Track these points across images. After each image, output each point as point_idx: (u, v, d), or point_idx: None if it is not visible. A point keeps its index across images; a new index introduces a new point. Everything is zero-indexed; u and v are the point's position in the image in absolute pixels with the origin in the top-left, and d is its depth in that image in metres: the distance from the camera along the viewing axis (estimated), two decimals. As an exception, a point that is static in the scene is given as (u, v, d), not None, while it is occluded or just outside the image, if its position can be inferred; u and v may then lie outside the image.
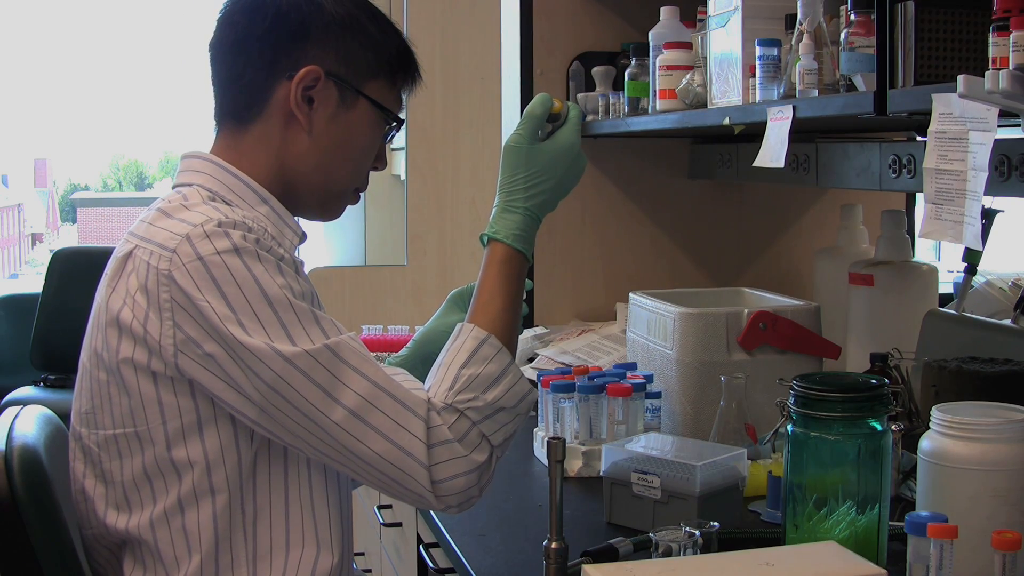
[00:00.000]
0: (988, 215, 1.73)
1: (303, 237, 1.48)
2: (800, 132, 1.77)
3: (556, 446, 1.31)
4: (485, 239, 1.46)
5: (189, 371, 1.29)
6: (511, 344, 1.41)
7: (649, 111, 2.24)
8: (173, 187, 1.44)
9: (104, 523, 1.37)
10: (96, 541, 1.41)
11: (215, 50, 1.46)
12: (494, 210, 1.47)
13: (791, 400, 1.37)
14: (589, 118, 2.58)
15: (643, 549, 1.41)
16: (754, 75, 1.78)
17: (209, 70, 1.47)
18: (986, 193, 1.28)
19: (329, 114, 1.43)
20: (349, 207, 1.53)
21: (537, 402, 1.41)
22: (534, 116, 1.48)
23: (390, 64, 1.47)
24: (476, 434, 1.32)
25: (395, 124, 1.50)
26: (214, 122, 1.48)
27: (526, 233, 1.45)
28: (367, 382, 1.29)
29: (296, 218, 1.49)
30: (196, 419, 1.32)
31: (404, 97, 1.52)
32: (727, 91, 1.89)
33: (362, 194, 1.54)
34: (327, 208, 1.51)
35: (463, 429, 1.32)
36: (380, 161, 1.53)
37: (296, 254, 1.45)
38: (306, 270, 1.39)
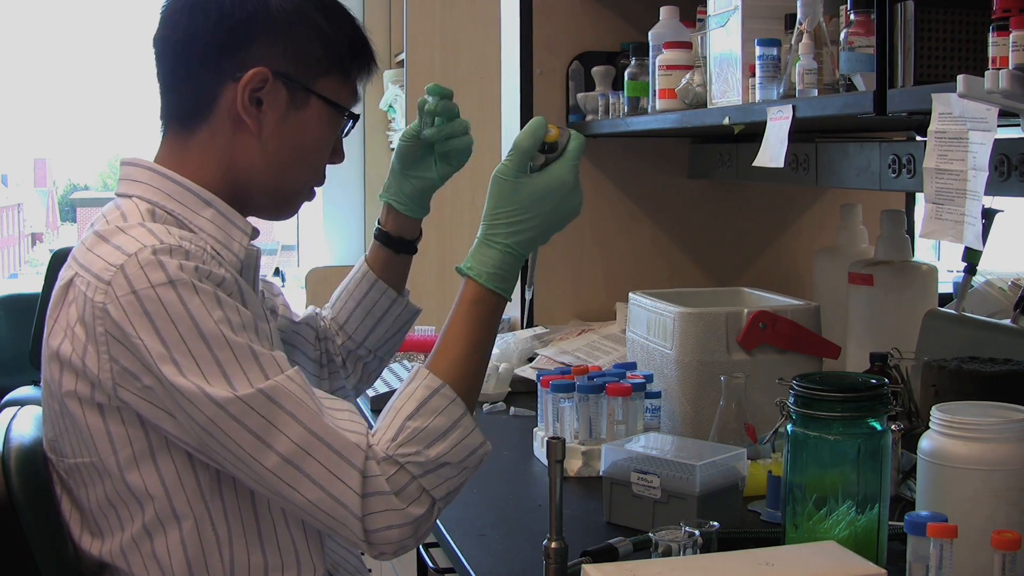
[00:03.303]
0: (988, 215, 1.73)
1: (255, 233, 1.41)
2: (800, 132, 1.77)
3: (556, 446, 1.31)
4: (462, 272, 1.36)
5: (130, 402, 1.25)
6: (469, 392, 1.32)
7: (649, 111, 2.24)
8: (116, 194, 1.38)
9: (80, 547, 1.34)
10: (77, 563, 1.36)
11: (158, 48, 1.38)
12: (475, 241, 1.36)
13: (791, 400, 1.37)
14: (589, 118, 2.57)
15: (643, 549, 1.41)
16: (754, 75, 1.78)
17: (155, 67, 1.40)
18: (986, 193, 1.28)
19: (279, 116, 1.36)
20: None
21: (485, 456, 1.33)
22: (521, 149, 1.35)
23: (343, 57, 1.40)
24: (416, 488, 1.26)
25: (350, 119, 1.45)
26: (160, 123, 1.40)
27: (503, 271, 1.34)
28: (302, 429, 1.23)
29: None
30: (147, 447, 1.28)
31: (361, 88, 1.45)
32: (727, 91, 1.89)
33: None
34: (282, 209, 1.45)
35: (401, 482, 1.25)
36: (337, 156, 1.47)
37: (257, 249, 1.40)
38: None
